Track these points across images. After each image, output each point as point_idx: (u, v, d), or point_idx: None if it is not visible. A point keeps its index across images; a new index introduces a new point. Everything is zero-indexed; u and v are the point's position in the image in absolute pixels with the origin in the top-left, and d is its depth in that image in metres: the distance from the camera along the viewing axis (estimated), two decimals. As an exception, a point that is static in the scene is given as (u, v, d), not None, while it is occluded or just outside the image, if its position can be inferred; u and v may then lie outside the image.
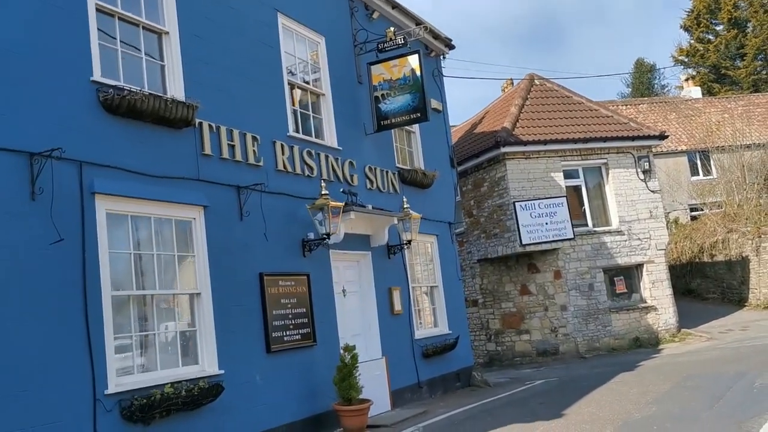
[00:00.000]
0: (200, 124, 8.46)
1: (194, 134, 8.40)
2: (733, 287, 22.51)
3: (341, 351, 9.71)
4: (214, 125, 8.72)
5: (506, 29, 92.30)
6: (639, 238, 18.41)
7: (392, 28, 12.41)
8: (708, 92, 39.68)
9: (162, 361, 7.58)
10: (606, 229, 18.30)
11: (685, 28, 45.65)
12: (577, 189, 18.49)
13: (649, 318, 18.13)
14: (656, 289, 18.40)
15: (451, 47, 15.45)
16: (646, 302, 18.30)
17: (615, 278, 18.31)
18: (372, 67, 12.34)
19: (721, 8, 43.40)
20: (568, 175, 18.22)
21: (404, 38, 12.24)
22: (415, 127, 13.97)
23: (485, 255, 18.38)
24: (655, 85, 49.11)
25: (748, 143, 25.69)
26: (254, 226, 9.07)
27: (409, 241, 12.02)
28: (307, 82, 11.20)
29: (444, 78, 15.63)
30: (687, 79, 38.85)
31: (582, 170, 18.58)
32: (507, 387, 13.40)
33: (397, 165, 13.16)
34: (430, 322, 13.60)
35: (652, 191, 18.83)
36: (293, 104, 10.70)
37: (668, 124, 29.99)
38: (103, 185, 7.08)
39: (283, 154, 9.92)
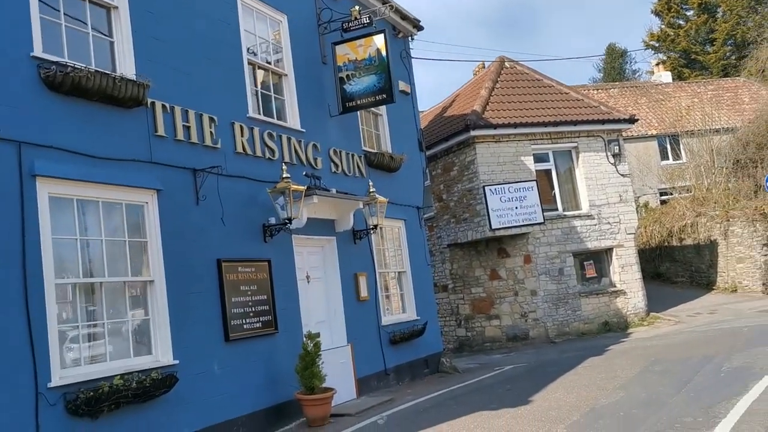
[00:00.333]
0: (153, 104, 8.09)
1: (146, 114, 8.03)
2: (702, 271, 22.64)
3: (304, 339, 9.44)
4: (168, 105, 8.34)
5: (481, 14, 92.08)
6: (609, 222, 18.35)
7: (357, 7, 12.05)
8: (678, 77, 39.83)
9: (112, 351, 7.25)
10: (576, 213, 18.20)
11: (656, 13, 45.79)
12: (547, 173, 18.33)
13: (619, 302, 18.12)
14: (625, 273, 18.38)
15: (420, 28, 15.14)
16: (615, 286, 18.28)
17: (585, 263, 18.24)
18: (337, 47, 12.00)
19: (692, -7, 43.60)
20: (538, 158, 18.06)
21: (370, 17, 11.91)
22: (382, 110, 13.66)
23: (455, 240, 18.19)
24: (627, 70, 49.31)
25: (717, 128, 25.83)
26: (211, 211, 8.73)
27: (376, 226, 11.77)
28: (269, 63, 10.84)
29: (413, 60, 15.36)
30: (658, 64, 38.95)
31: (552, 154, 18.42)
32: (476, 373, 13.26)
33: (364, 148, 12.85)
34: (398, 308, 13.38)
35: (622, 175, 18.77)
36: (254, 85, 10.35)
37: (639, 109, 29.99)
38: (45, 167, 6.70)
39: (242, 135, 9.56)
